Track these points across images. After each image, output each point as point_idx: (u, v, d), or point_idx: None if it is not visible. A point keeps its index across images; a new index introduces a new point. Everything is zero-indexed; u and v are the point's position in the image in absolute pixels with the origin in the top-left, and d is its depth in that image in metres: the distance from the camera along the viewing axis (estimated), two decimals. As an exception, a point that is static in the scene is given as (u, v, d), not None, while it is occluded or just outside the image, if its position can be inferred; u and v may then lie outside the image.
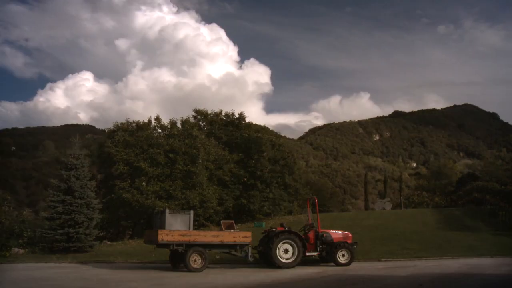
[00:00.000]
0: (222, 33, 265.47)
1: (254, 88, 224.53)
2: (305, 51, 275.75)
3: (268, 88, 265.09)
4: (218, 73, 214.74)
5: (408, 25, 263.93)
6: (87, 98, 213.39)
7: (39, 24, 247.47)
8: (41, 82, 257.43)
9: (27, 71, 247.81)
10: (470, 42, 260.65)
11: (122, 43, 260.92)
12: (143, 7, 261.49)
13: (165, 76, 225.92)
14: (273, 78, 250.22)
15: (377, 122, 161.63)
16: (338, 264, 15.02)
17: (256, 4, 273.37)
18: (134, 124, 33.01)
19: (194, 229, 14.91)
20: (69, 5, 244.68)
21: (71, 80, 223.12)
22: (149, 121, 33.74)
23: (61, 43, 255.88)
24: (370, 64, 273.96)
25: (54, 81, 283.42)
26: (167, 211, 14.25)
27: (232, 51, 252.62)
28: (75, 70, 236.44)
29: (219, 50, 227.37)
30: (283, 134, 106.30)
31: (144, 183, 27.66)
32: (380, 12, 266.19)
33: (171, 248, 13.61)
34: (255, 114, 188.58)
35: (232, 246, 14.35)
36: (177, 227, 13.92)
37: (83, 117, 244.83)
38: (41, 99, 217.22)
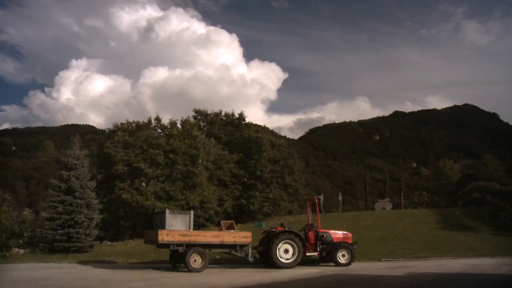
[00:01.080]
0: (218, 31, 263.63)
1: (257, 90, 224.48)
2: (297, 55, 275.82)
3: (269, 89, 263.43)
4: (224, 72, 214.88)
5: (400, 29, 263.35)
6: (87, 97, 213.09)
7: (24, 28, 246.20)
8: (35, 85, 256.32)
9: (19, 76, 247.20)
10: (460, 42, 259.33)
11: (115, 43, 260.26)
12: (127, 8, 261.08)
13: (161, 74, 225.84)
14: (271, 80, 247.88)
15: (377, 122, 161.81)
16: (338, 264, 15.03)
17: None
18: (134, 124, 33.00)
19: (194, 229, 14.92)
20: (50, 8, 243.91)
21: (68, 81, 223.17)
22: (149, 121, 33.74)
23: (50, 46, 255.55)
24: (361, 68, 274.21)
25: (49, 83, 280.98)
26: (167, 211, 14.26)
27: (235, 50, 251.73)
28: (70, 71, 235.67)
29: (223, 50, 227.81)
30: (283, 134, 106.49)
31: (144, 184, 27.65)
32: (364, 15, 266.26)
33: (171, 248, 13.62)
34: (255, 114, 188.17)
35: (232, 246, 14.36)
36: (177, 227, 13.93)
37: (84, 117, 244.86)
38: (37, 101, 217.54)
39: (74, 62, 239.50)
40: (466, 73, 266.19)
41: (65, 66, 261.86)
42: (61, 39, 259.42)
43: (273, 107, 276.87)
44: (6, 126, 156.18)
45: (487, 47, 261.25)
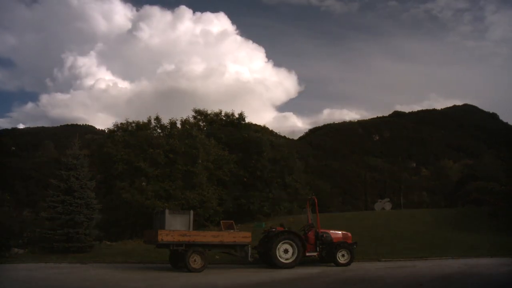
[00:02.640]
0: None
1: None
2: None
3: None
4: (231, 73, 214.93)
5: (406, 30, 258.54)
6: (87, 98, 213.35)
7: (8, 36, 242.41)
8: (32, 87, 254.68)
9: (10, 84, 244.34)
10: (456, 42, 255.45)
11: (114, 42, 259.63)
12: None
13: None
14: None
15: (377, 122, 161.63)
16: (338, 264, 15.02)
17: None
18: (134, 124, 33.01)
19: (194, 229, 14.91)
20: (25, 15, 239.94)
21: (66, 81, 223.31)
22: (149, 121, 33.73)
23: (40, 50, 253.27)
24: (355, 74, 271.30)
25: (45, 84, 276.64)
26: (166, 211, 14.24)
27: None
28: (67, 71, 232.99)
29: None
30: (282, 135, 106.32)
31: (144, 183, 27.67)
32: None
33: (171, 248, 13.61)
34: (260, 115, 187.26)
35: (232, 246, 14.36)
36: (176, 227, 13.91)
37: (83, 117, 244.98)
38: (35, 102, 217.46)
39: (72, 62, 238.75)
40: (460, 75, 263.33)
41: (60, 67, 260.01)
42: (52, 41, 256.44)
43: (275, 109, 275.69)
44: (6, 126, 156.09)
45: (471, 50, 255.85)
